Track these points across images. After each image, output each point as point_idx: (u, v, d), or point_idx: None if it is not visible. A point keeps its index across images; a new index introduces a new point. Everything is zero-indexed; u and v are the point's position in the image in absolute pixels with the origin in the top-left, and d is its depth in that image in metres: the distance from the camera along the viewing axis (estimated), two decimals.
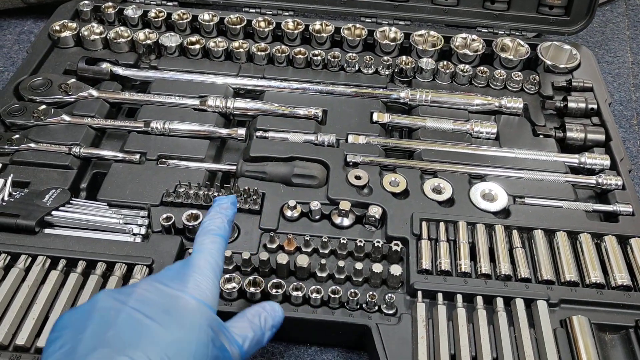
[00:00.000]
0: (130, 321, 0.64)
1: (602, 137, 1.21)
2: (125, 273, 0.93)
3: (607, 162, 1.16)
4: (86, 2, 1.41)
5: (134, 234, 0.99)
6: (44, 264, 0.92)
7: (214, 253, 0.77)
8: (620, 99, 1.51)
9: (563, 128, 1.23)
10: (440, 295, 0.93)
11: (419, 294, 0.93)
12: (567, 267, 0.98)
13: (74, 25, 1.36)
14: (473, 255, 1.00)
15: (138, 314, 0.65)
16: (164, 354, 0.62)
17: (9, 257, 0.93)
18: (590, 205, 1.09)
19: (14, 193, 1.01)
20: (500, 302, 0.93)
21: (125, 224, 1.00)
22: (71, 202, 1.02)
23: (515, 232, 1.02)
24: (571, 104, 1.26)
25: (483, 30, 1.45)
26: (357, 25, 1.39)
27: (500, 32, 1.44)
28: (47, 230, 0.98)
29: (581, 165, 1.17)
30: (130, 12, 1.39)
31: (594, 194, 1.15)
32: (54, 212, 0.99)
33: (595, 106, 1.26)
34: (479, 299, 0.93)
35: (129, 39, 1.33)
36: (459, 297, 0.93)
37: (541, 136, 1.23)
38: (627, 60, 1.62)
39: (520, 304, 0.92)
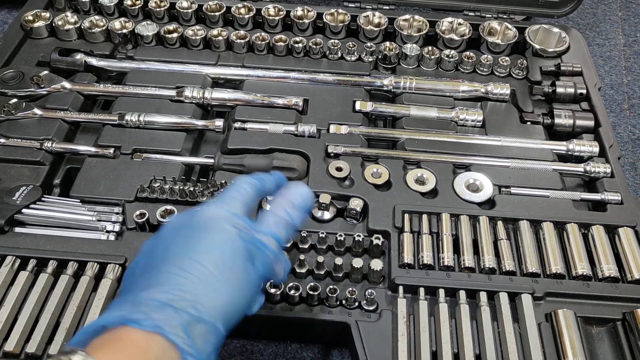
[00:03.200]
0: (175, 239, 0.69)
1: (591, 123, 1.18)
2: (97, 272, 0.90)
3: (596, 149, 1.13)
4: None
5: (107, 232, 0.96)
6: (13, 265, 0.89)
7: (242, 184, 0.77)
8: (612, 82, 1.47)
9: (551, 114, 1.20)
10: (422, 290, 0.90)
11: (400, 289, 0.90)
12: (553, 259, 0.95)
13: (48, 14, 1.31)
14: (456, 248, 0.97)
15: (176, 233, 0.69)
16: (204, 256, 0.65)
17: None
18: (577, 194, 1.06)
19: None
20: (483, 296, 0.90)
21: (98, 221, 0.97)
22: (42, 199, 0.99)
23: (500, 224, 1.00)
24: (559, 89, 1.23)
25: (470, 13, 1.41)
26: (340, 11, 1.35)
27: (487, 15, 1.40)
28: (17, 229, 0.95)
29: (569, 153, 1.14)
30: (106, 0, 1.35)
31: (583, 182, 1.12)
32: (24, 210, 0.96)
33: (584, 91, 1.23)
34: (462, 294, 0.90)
35: (104, 28, 1.29)
36: (442, 292, 0.90)
37: (528, 123, 1.19)
38: (619, 42, 1.58)
39: (504, 298, 0.90)
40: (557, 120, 1.18)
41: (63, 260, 0.90)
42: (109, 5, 1.34)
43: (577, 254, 0.96)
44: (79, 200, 1.00)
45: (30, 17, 1.31)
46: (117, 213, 0.98)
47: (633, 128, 1.36)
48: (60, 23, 1.30)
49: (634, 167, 1.28)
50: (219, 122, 1.12)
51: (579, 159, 1.14)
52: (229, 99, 1.17)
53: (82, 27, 1.29)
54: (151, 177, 1.02)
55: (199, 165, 1.10)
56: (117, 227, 0.96)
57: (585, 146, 1.13)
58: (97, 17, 1.32)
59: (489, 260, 0.94)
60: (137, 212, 0.96)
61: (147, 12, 1.35)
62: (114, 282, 0.88)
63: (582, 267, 0.94)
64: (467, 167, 1.09)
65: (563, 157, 1.14)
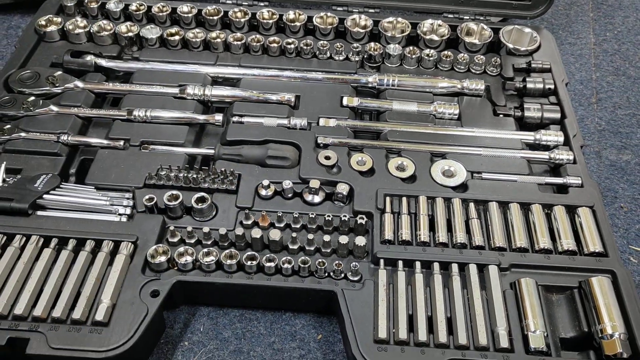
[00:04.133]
0: None
1: (557, 115, 1.29)
2: (112, 249, 1.01)
3: (561, 139, 1.25)
4: None
5: (119, 214, 1.07)
6: (37, 243, 1.01)
7: None
8: (581, 78, 1.59)
9: (522, 107, 1.31)
10: (400, 263, 1.02)
11: (381, 262, 1.02)
12: (518, 235, 1.07)
13: (59, 19, 1.42)
14: (432, 227, 1.08)
15: None
16: None
17: (5, 238, 1.01)
18: (542, 179, 1.17)
19: (7, 179, 1.09)
20: (455, 267, 1.02)
21: (111, 205, 1.08)
22: (61, 186, 1.10)
23: (471, 205, 1.11)
24: (529, 85, 1.34)
25: (449, 15, 1.52)
26: (329, 14, 1.47)
27: (465, 17, 1.52)
28: (39, 212, 1.06)
29: (536, 142, 1.25)
30: (112, 5, 1.46)
31: (549, 168, 1.24)
32: (45, 196, 1.07)
33: (552, 86, 1.34)
34: (436, 266, 1.02)
35: (111, 32, 1.40)
36: (418, 264, 1.02)
37: (501, 115, 1.31)
38: (590, 41, 1.70)
39: (473, 269, 1.01)
40: (526, 113, 1.30)
41: (82, 239, 1.02)
42: (115, 10, 1.45)
43: (539, 230, 1.08)
44: (93, 187, 1.11)
45: (43, 22, 1.42)
46: (128, 198, 1.09)
47: (599, 120, 1.48)
48: (71, 27, 1.41)
49: (599, 155, 1.40)
50: (219, 117, 1.24)
51: (546, 148, 1.25)
52: (227, 96, 1.29)
53: (91, 31, 1.41)
54: (158, 166, 1.13)
55: (201, 155, 1.21)
56: (128, 210, 1.07)
57: (551, 136, 1.25)
58: (104, 21, 1.43)
59: (460, 237, 1.06)
60: (147, 197, 1.07)
61: (151, 17, 1.47)
62: (127, 258, 1.00)
63: (543, 242, 1.06)
64: (443, 156, 1.20)
65: (532, 146, 1.25)
